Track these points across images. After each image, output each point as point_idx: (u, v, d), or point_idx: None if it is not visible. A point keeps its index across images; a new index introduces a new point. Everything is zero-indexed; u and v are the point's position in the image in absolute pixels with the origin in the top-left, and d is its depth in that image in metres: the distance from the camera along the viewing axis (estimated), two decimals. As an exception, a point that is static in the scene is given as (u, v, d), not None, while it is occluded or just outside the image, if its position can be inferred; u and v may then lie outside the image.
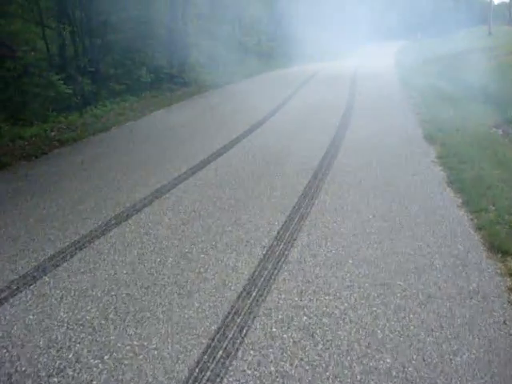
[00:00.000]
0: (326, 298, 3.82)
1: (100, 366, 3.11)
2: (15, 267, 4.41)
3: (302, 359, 3.13)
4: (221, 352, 3.21)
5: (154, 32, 17.69)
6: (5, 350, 3.28)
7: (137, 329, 3.48)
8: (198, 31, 22.15)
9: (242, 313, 3.63)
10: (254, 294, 3.88)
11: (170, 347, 3.28)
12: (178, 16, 18.05)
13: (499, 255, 4.48)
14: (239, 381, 2.96)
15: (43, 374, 3.05)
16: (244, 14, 27.94)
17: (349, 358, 3.14)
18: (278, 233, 5.06)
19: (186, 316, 3.61)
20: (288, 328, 3.45)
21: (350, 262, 4.40)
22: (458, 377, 2.96)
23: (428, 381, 2.93)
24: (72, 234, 5.14)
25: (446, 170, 7.10)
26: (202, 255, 4.58)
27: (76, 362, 3.15)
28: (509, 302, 3.74)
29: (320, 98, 13.71)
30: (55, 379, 3.00)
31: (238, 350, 3.23)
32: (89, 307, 3.76)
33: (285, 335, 3.38)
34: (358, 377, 2.97)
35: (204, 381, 2.95)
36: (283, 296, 3.85)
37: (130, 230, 5.20)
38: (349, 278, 4.10)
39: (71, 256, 4.61)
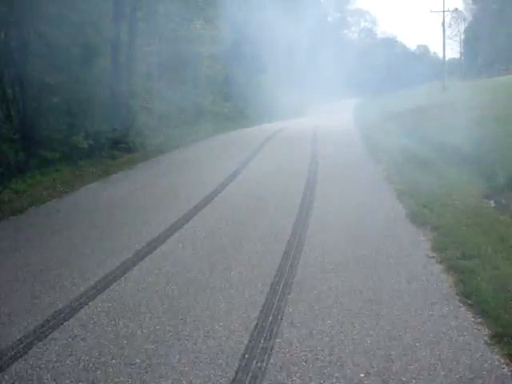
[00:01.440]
0: None
1: None
2: None
3: None
4: None
5: (95, 94, 15.73)
6: None
7: None
8: (148, 92, 20.38)
9: None
10: None
11: None
12: (123, 77, 16.15)
13: None
14: None
15: None
16: (199, 74, 26.33)
17: None
18: None
19: None
20: None
21: None
22: None
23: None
24: None
25: (450, 273, 5.14)
26: None
27: None
28: None
29: (278, 168, 11.74)
30: None
31: None
32: None
33: None
34: None
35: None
36: None
37: None
38: None
39: None
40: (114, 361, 3.70)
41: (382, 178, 10.15)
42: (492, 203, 8.38)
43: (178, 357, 3.71)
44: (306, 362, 3.59)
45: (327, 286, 4.88)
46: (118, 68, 16.12)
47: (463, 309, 4.33)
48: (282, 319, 4.24)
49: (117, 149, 15.19)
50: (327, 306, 4.46)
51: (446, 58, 50.81)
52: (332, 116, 33.44)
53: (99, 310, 4.55)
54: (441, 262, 5.43)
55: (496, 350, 3.66)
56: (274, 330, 4.05)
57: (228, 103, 30.33)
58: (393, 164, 11.43)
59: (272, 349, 3.77)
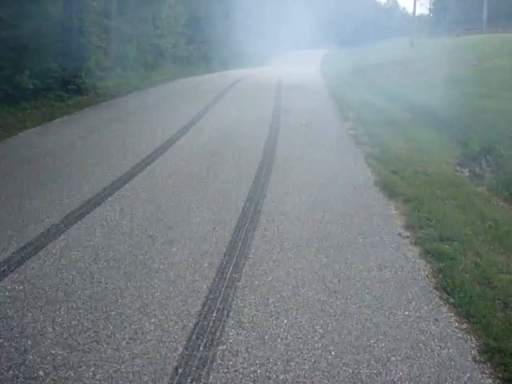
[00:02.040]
0: None
1: None
2: None
3: None
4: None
5: (44, 30, 14.24)
6: None
7: None
8: (104, 30, 18.81)
9: None
10: None
11: None
12: (74, 12, 14.60)
13: None
14: None
15: None
16: (160, 14, 24.65)
17: None
18: None
19: None
20: None
21: None
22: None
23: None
24: None
25: (427, 259, 4.40)
26: None
27: None
28: None
29: (236, 122, 10.74)
30: None
31: None
32: None
33: None
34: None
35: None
36: None
37: None
38: None
39: None
40: (10, 372, 2.83)
41: (349, 137, 9.32)
42: (466, 172, 7.69)
43: (92, 370, 2.86)
44: (253, 382, 2.80)
45: (285, 271, 4.08)
46: (70, 2, 14.56)
47: (445, 309, 3.61)
48: (228, 316, 3.43)
49: (66, 90, 13.86)
50: (284, 298, 3.66)
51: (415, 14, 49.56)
52: (299, 66, 32.22)
53: (6, 295, 3.64)
54: (416, 244, 4.69)
55: (487, 372, 2.94)
56: (218, 333, 3.23)
57: (191, 47, 28.80)
58: (361, 123, 10.60)
59: (213, 361, 2.96)
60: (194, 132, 9.34)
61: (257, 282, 3.89)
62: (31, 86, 12.48)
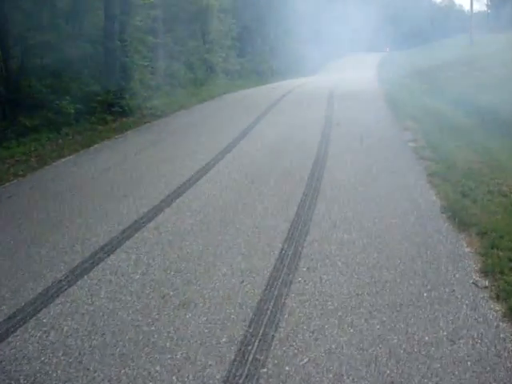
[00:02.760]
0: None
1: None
2: None
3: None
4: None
5: (85, 52, 13.87)
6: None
7: None
8: (151, 49, 18.34)
9: None
10: None
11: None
12: (116, 32, 14.11)
13: None
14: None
15: None
16: (208, 29, 24.08)
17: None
18: None
19: None
20: None
21: None
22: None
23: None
24: None
25: (514, 323, 3.29)
26: None
27: None
28: None
29: (283, 137, 9.77)
30: None
31: None
32: None
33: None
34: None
35: None
36: None
37: None
38: None
39: None
40: None
41: (409, 151, 8.17)
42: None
43: None
44: None
45: (325, 349, 3.08)
46: (111, 22, 14.07)
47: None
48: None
49: (110, 113, 13.35)
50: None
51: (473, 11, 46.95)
52: (354, 71, 30.98)
53: None
54: (498, 299, 3.60)
55: None
56: None
57: (242, 59, 28.10)
58: (422, 133, 9.40)
59: None
60: (233, 155, 8.43)
61: (287, 368, 2.92)
62: (72, 111, 12.00)
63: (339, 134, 9.60)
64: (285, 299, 3.71)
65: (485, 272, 3.98)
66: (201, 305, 3.69)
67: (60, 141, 10.96)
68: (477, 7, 67.69)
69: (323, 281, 3.96)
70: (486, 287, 3.76)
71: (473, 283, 3.84)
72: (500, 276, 3.87)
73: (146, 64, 15.06)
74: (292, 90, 19.60)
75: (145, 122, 12.75)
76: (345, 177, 6.77)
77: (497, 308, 3.49)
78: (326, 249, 4.53)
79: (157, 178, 7.24)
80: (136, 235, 5.10)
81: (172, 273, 4.23)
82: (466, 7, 79.19)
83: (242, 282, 4.00)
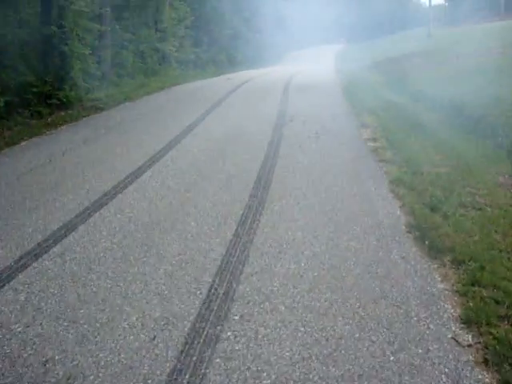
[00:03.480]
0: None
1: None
2: None
3: None
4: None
5: (20, 40, 12.48)
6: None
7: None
8: (98, 36, 16.97)
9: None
10: None
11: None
12: (54, 17, 12.70)
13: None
14: None
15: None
16: (161, 17, 22.69)
17: None
18: None
19: None
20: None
21: None
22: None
23: None
24: None
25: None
26: None
27: None
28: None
29: (231, 134, 8.72)
30: None
31: None
32: None
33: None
34: None
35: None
36: None
37: None
38: None
39: None
40: None
41: (368, 152, 7.25)
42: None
43: None
44: None
45: None
46: (48, 6, 12.70)
47: None
48: None
49: (46, 105, 12.03)
50: None
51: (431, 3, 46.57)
52: (312, 63, 30.10)
53: None
54: (486, 365, 2.69)
55: None
56: None
57: (197, 49, 26.81)
58: (381, 130, 8.52)
59: None
60: (171, 156, 7.36)
61: None
62: (1, 104, 10.66)
63: (292, 132, 8.61)
64: (206, 369, 2.70)
65: (466, 321, 3.07)
66: (91, 378, 2.65)
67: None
68: (434, 1, 67.56)
69: (259, 337, 2.96)
70: (469, 345, 2.85)
71: (452, 338, 2.91)
72: (486, 328, 2.97)
73: (88, 53, 13.70)
74: (248, 80, 18.55)
75: (83, 116, 11.51)
76: (296, 184, 5.80)
77: (486, 381, 2.56)
78: (266, 286, 3.54)
79: (80, 184, 6.11)
80: (33, 265, 4.00)
81: (65, 324, 3.17)
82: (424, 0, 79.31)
83: (154, 338, 2.98)
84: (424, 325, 3.05)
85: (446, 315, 3.15)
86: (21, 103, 11.51)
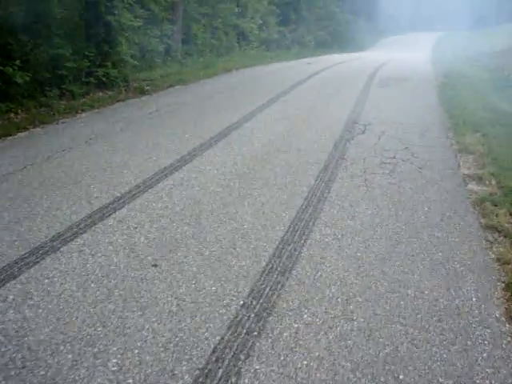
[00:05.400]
0: None
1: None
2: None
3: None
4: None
5: (60, 3, 10.47)
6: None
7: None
8: (164, 8, 14.79)
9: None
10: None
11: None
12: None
13: None
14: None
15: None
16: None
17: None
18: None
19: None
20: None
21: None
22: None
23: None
24: None
25: None
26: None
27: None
28: None
29: (282, 141, 6.27)
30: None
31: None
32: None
33: None
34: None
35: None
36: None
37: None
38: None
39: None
40: None
41: (470, 208, 4.47)
42: None
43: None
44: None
45: None
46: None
47: None
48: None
49: (81, 84, 10.02)
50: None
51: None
52: (408, 51, 26.63)
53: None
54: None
55: None
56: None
57: (282, 28, 24.08)
58: (490, 161, 5.66)
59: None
60: (183, 175, 4.98)
61: None
62: (20, 80, 8.72)
63: (360, 153, 5.93)
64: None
65: None
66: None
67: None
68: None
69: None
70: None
71: None
72: None
73: (138, 26, 11.52)
74: (329, 67, 15.79)
75: (117, 101, 9.37)
76: (333, 276, 3.22)
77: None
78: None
79: (74, 198, 3.88)
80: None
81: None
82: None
83: None
84: None
85: None
86: (52, 80, 9.55)
